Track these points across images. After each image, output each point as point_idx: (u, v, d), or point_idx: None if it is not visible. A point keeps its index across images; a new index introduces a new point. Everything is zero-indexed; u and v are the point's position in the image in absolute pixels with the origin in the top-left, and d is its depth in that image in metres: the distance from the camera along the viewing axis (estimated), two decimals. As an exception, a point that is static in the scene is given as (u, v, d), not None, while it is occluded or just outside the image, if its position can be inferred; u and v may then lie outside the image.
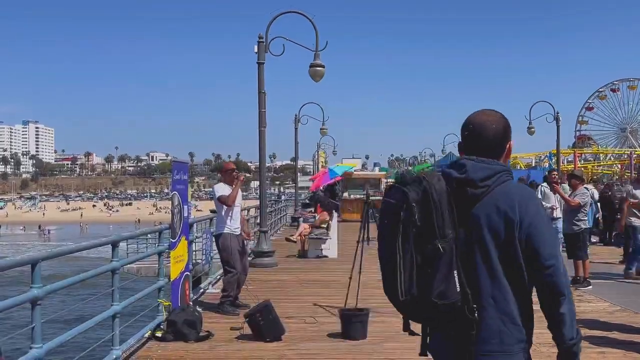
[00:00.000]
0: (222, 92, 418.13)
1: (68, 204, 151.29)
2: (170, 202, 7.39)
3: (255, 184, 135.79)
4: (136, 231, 9.88)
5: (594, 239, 15.05)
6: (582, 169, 47.64)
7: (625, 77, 79.40)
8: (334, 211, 14.97)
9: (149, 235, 14.37)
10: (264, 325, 6.13)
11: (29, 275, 3.89)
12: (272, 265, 11.77)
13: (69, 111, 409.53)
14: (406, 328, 2.23)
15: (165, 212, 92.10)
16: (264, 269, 11.34)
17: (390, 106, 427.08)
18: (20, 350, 4.38)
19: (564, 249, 9.38)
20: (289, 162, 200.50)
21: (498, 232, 2.07)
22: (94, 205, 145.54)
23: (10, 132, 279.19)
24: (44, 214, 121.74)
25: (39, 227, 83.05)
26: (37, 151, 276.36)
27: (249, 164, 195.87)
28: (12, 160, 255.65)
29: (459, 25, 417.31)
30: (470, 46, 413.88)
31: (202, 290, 9.03)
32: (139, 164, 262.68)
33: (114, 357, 5.13)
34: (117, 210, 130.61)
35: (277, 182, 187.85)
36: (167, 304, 6.67)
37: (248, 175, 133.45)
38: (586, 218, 9.63)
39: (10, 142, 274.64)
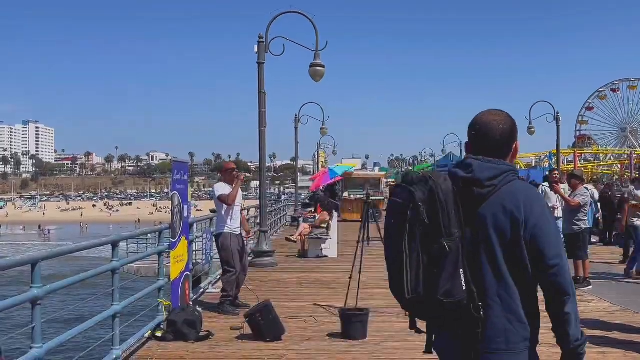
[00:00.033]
0: (222, 92, 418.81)
1: (68, 203, 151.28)
2: (170, 202, 7.39)
3: (255, 183, 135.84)
4: (136, 231, 9.88)
5: (594, 239, 15.04)
6: (582, 169, 47.65)
7: (625, 77, 79.48)
8: (334, 211, 14.97)
9: (149, 235, 14.39)
10: (264, 325, 6.13)
11: (29, 275, 3.89)
12: (272, 265, 11.77)
13: (69, 111, 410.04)
14: (412, 326, 2.24)
15: (165, 212, 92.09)
16: (264, 269, 11.34)
17: (390, 106, 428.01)
18: (21, 350, 4.39)
19: (564, 249, 9.38)
20: (289, 162, 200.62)
21: (504, 231, 2.08)
22: (94, 205, 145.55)
23: (10, 132, 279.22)
24: (44, 213, 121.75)
25: (39, 227, 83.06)
26: (37, 151, 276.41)
27: (249, 164, 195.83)
28: (12, 160, 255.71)
29: (459, 25, 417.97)
30: (470, 46, 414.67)
31: (202, 290, 9.03)
32: (139, 164, 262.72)
33: (114, 356, 5.13)
34: (117, 210, 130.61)
35: (277, 182, 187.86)
36: (167, 303, 6.66)
37: (248, 175, 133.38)
38: (586, 218, 9.63)
39: (10, 142, 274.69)
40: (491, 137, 2.20)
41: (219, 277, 9.46)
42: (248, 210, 14.32)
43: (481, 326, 2.06)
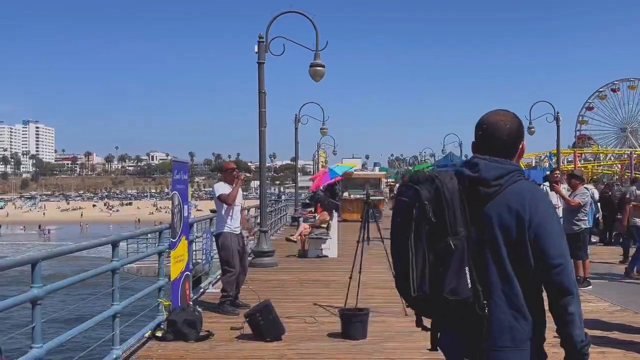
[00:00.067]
0: (222, 92, 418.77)
1: (68, 203, 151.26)
2: (170, 201, 7.39)
3: (255, 183, 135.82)
4: (136, 231, 9.88)
5: (594, 239, 15.04)
6: (582, 169, 47.64)
7: (626, 77, 79.48)
8: (334, 211, 14.97)
9: (149, 235, 14.40)
10: (264, 325, 6.13)
11: (29, 275, 3.89)
12: (272, 265, 11.77)
13: (69, 111, 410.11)
14: (419, 324, 2.26)
15: (166, 212, 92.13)
16: (264, 269, 11.34)
17: (390, 106, 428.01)
18: (21, 349, 4.39)
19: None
20: (289, 162, 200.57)
21: (509, 231, 2.10)
22: (94, 205, 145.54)
23: (11, 131, 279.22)
24: (44, 213, 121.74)
25: (39, 226, 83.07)
26: (37, 151, 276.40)
27: (249, 164, 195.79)
28: (12, 160, 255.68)
29: (459, 25, 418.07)
30: (470, 46, 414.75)
31: (202, 290, 9.03)
32: (139, 164, 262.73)
33: (114, 356, 5.13)
34: (117, 210, 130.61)
35: (277, 182, 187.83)
36: (167, 303, 6.67)
37: (248, 175, 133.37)
38: (586, 218, 9.63)
39: (11, 141, 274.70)
40: (498, 137, 2.22)
41: (219, 277, 9.46)
42: (248, 210, 14.32)
43: (486, 324, 2.07)
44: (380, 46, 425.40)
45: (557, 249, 2.07)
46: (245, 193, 8.69)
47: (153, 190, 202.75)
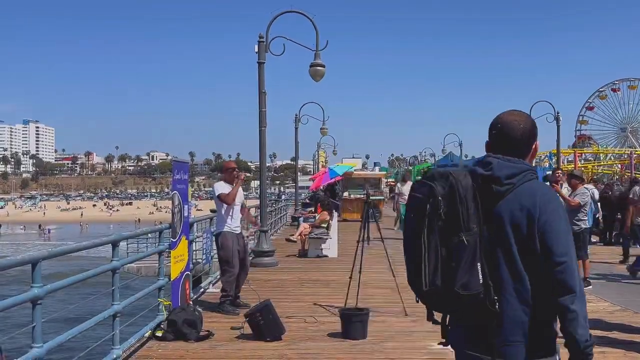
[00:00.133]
0: (222, 92, 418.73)
1: (68, 203, 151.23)
2: (170, 201, 7.39)
3: (255, 183, 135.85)
4: (136, 231, 9.87)
5: (594, 239, 15.04)
6: (582, 169, 47.64)
7: (626, 77, 79.52)
8: (334, 211, 14.98)
9: (149, 234, 14.38)
10: (264, 324, 6.13)
11: (30, 274, 3.90)
12: (273, 265, 11.78)
13: (69, 111, 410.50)
14: (430, 318, 2.28)
15: (166, 212, 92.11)
16: (264, 269, 11.34)
17: (390, 106, 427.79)
18: (21, 349, 4.39)
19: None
20: (289, 161, 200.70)
21: (520, 228, 2.13)
22: (94, 205, 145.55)
23: (11, 131, 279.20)
24: (44, 213, 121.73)
25: (39, 226, 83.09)
26: (37, 151, 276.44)
27: (249, 164, 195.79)
28: (13, 160, 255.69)
29: (459, 25, 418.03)
30: (470, 46, 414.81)
31: (202, 290, 9.03)
32: (139, 164, 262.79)
33: (114, 356, 5.13)
34: (118, 210, 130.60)
35: (277, 182, 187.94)
36: (167, 303, 6.67)
37: (248, 174, 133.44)
38: (586, 218, 9.62)
39: (11, 141, 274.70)
40: (512, 136, 2.26)
41: (219, 276, 9.47)
42: (248, 210, 14.31)
43: (497, 319, 2.10)
44: (380, 46, 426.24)
45: (562, 247, 2.09)
46: (245, 193, 8.68)
47: (153, 190, 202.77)
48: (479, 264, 2.07)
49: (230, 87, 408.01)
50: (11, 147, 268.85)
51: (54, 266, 23.83)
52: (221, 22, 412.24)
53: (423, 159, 63.20)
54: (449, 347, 2.30)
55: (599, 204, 15.24)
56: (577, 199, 9.35)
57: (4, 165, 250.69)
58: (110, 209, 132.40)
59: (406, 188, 17.03)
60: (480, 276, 2.07)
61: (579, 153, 56.21)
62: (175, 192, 7.11)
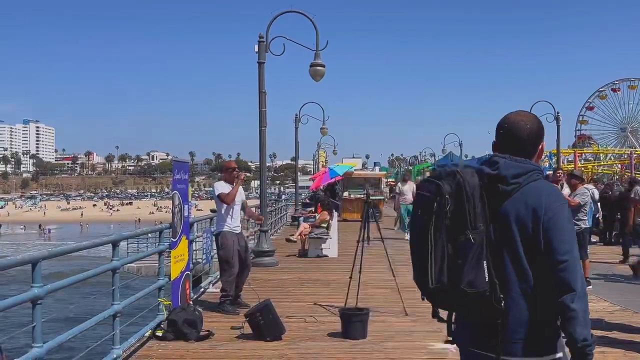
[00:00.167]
0: (222, 92, 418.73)
1: (68, 203, 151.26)
2: (170, 201, 7.39)
3: (255, 183, 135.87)
4: (137, 230, 9.87)
5: (594, 239, 15.05)
6: (582, 169, 47.64)
7: (626, 77, 79.47)
8: (334, 211, 14.98)
9: (149, 234, 14.38)
10: (264, 324, 6.13)
11: (30, 274, 3.90)
12: (273, 265, 11.78)
13: (69, 111, 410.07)
14: (435, 315, 2.29)
15: (166, 212, 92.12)
16: (265, 269, 11.34)
17: (390, 106, 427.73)
18: (21, 349, 4.39)
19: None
20: (289, 161, 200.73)
21: (526, 227, 2.14)
22: (94, 205, 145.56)
23: (11, 131, 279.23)
24: (44, 213, 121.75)
25: (40, 226, 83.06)
26: (37, 150, 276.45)
27: (249, 164, 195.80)
28: (13, 160, 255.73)
29: (459, 25, 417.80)
30: (470, 46, 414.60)
31: (202, 290, 9.04)
32: (140, 164, 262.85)
33: (115, 356, 5.14)
34: (118, 210, 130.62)
35: (278, 182, 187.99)
36: (167, 303, 6.67)
37: (248, 174, 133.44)
38: (586, 218, 9.63)
39: (11, 141, 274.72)
40: (519, 136, 2.28)
41: (219, 276, 9.47)
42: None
43: (503, 317, 2.11)
44: (380, 46, 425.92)
45: (564, 245, 2.10)
46: (245, 193, 8.68)
47: (153, 190, 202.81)
48: (485, 262, 2.08)
49: (230, 87, 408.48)
50: (11, 147, 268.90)
51: (54, 266, 23.85)
52: (221, 22, 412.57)
53: (423, 159, 63.25)
54: (454, 345, 2.31)
55: (599, 204, 15.25)
56: (577, 199, 9.35)
57: (4, 165, 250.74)
58: (111, 209, 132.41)
59: (406, 188, 17.03)
60: (487, 274, 2.08)
61: (579, 153, 56.18)
62: (175, 192, 7.11)
